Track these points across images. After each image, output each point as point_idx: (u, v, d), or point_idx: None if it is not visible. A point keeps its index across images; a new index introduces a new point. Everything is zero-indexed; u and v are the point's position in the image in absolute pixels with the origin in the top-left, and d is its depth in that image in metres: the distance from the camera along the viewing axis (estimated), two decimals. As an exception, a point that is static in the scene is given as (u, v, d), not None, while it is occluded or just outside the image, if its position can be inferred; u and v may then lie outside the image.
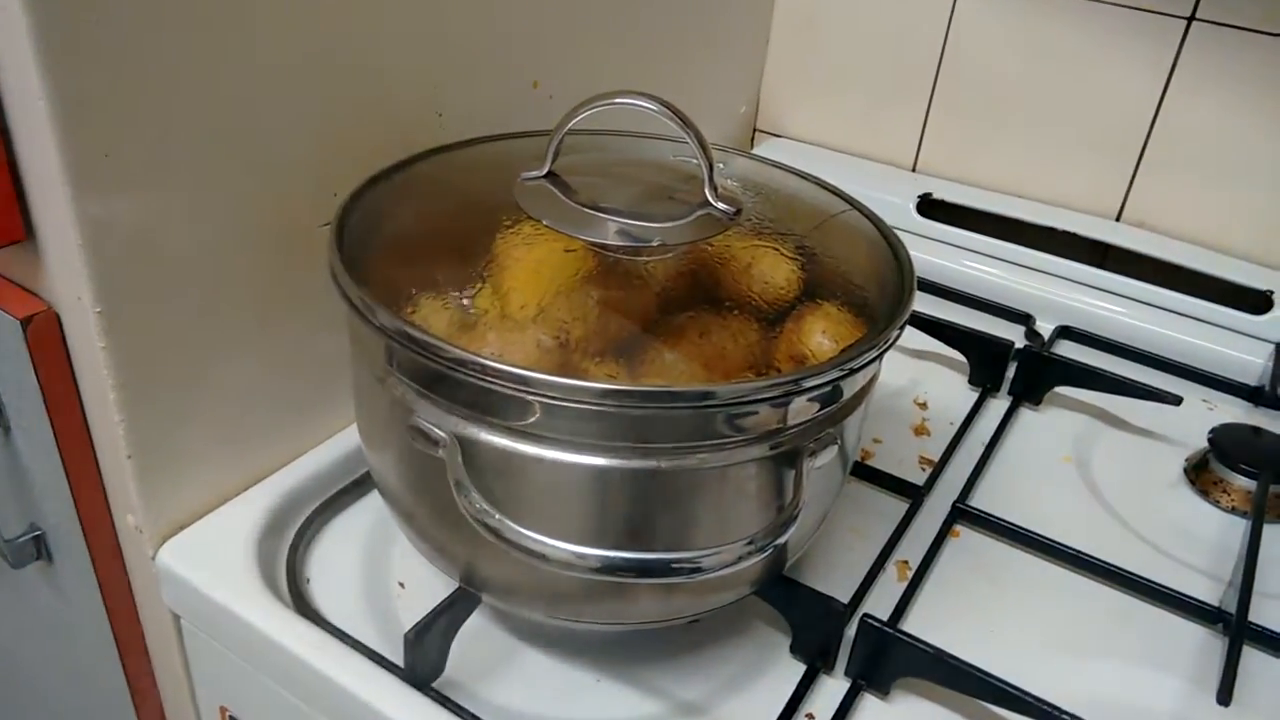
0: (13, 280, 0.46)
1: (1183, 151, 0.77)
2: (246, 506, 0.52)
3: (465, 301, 0.40)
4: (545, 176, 0.46)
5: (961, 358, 0.69)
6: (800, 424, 0.40)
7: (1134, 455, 0.64)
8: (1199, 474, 0.61)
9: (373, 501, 0.55)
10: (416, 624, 0.43)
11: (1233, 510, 0.59)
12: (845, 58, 0.88)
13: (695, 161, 0.45)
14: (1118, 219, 0.81)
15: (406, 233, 0.45)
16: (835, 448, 0.42)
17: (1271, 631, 0.49)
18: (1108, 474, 0.62)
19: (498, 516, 0.36)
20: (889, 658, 0.45)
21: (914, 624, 0.50)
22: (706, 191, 0.45)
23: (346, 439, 0.57)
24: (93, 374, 0.45)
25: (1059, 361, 0.68)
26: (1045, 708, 0.41)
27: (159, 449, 0.48)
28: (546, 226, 0.43)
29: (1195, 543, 0.57)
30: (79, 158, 0.40)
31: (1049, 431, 0.65)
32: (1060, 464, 0.62)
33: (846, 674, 0.46)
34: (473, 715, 0.43)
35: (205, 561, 0.49)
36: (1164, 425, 0.66)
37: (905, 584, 0.52)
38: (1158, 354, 0.72)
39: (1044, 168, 0.83)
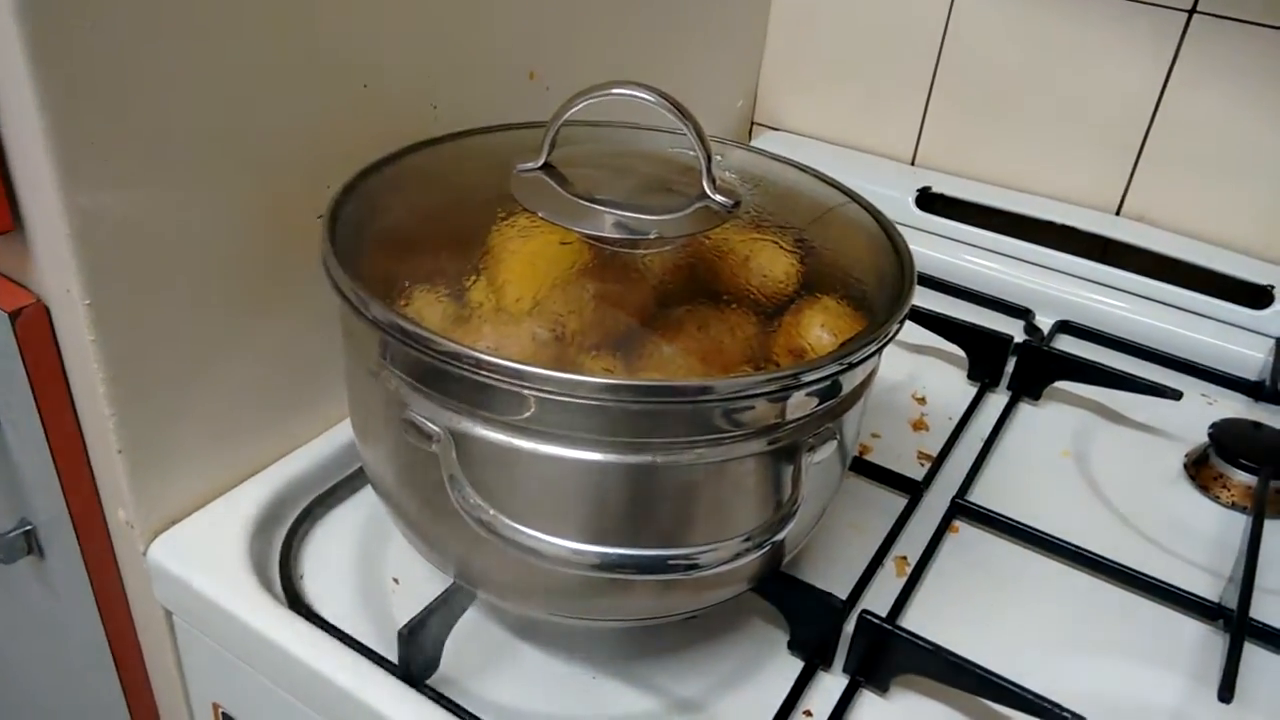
0: (0, 272, 0.45)
1: (1183, 145, 0.76)
2: (239, 501, 0.52)
3: (460, 294, 0.40)
4: (541, 168, 0.46)
5: (960, 352, 0.69)
6: (799, 419, 0.39)
7: (1133, 450, 0.63)
8: (1199, 469, 0.61)
9: (367, 496, 0.55)
10: (410, 620, 0.42)
11: (1233, 506, 0.59)
12: (844, 50, 0.88)
13: (693, 153, 0.44)
14: (1118, 213, 0.81)
15: (400, 225, 0.45)
16: (834, 443, 0.41)
17: (1273, 628, 0.49)
18: (1107, 469, 0.61)
19: (492, 512, 0.35)
20: (888, 654, 0.45)
21: (913, 620, 0.49)
22: (704, 184, 0.45)
23: (340, 433, 0.56)
24: (82, 367, 0.45)
25: (1058, 356, 0.67)
26: (1045, 704, 0.41)
27: (150, 443, 0.47)
28: (542, 219, 0.42)
29: (1195, 538, 0.56)
30: (68, 148, 0.39)
31: (1048, 427, 0.65)
32: (1059, 459, 0.62)
33: (845, 671, 0.46)
34: (468, 712, 0.42)
35: (197, 557, 0.49)
36: (1163, 420, 0.65)
37: (904, 580, 0.51)
38: (1157, 349, 0.72)
39: (1044, 161, 0.82)
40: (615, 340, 0.39)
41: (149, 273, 0.44)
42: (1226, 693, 0.45)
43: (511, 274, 0.40)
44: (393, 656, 0.44)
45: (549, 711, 0.44)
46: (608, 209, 0.43)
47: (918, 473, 0.58)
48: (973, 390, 0.67)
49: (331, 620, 0.47)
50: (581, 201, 0.44)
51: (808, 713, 0.45)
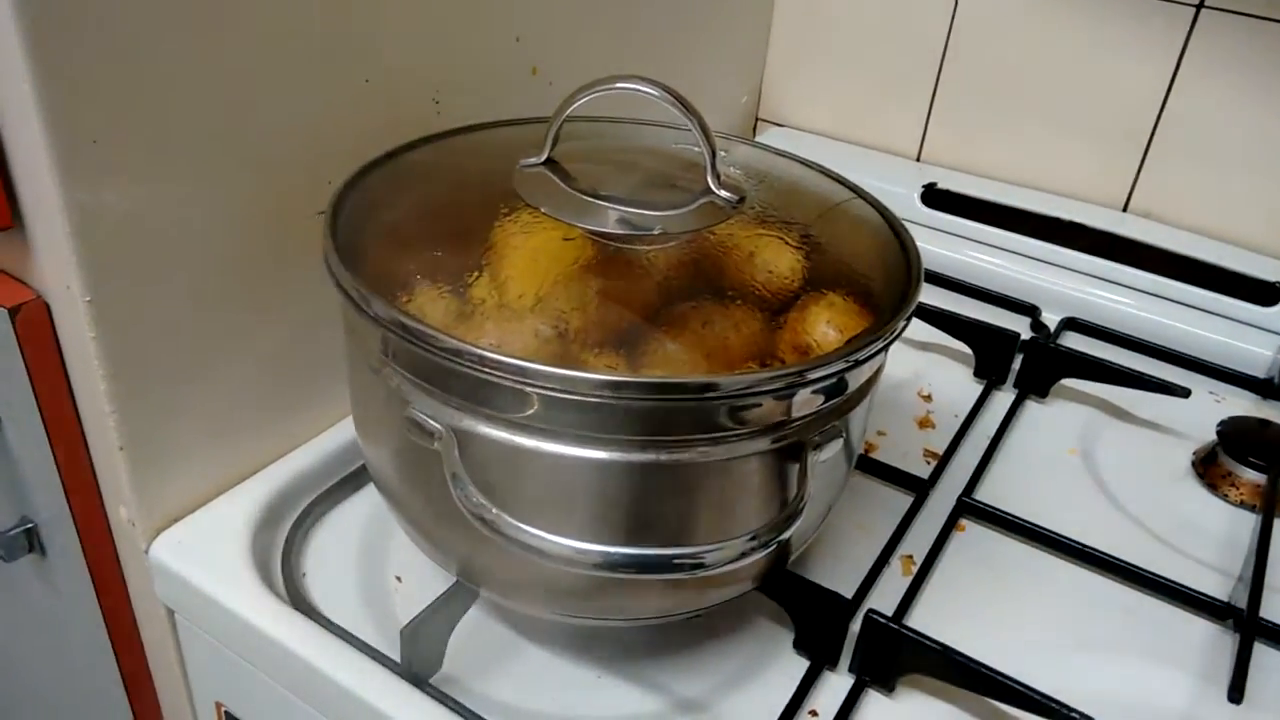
0: (0, 268, 0.45)
1: (1191, 141, 0.76)
2: (241, 499, 0.51)
3: (462, 291, 0.39)
4: (544, 163, 0.45)
5: (966, 349, 0.68)
6: (805, 416, 0.39)
7: (1141, 448, 0.63)
8: (1207, 467, 0.61)
9: (369, 494, 0.55)
10: (413, 619, 0.42)
11: (1241, 504, 0.58)
12: (849, 45, 0.87)
13: (697, 149, 0.44)
14: (1124, 209, 0.80)
15: (403, 221, 0.45)
16: (840, 441, 0.41)
17: (1282, 627, 0.49)
18: (1114, 467, 0.61)
19: (494, 511, 0.35)
20: (894, 654, 0.44)
21: (919, 620, 0.49)
22: (709, 179, 0.44)
23: (342, 431, 0.56)
24: (83, 364, 0.44)
25: (1065, 353, 0.67)
26: (1054, 705, 0.41)
27: (152, 440, 0.47)
28: (545, 214, 0.42)
29: (1203, 537, 0.56)
30: (67, 144, 0.39)
31: (1055, 424, 0.64)
32: (1066, 457, 0.62)
33: (850, 670, 0.46)
34: (470, 712, 0.42)
35: (199, 555, 0.49)
36: (1171, 418, 0.65)
37: (910, 579, 0.51)
38: (1165, 346, 0.72)
39: (1050, 157, 0.82)
40: (619, 337, 0.38)
41: (150, 269, 0.44)
42: (1236, 693, 0.45)
43: (514, 270, 0.40)
44: (395, 655, 0.43)
45: (552, 711, 0.44)
46: (611, 205, 0.43)
47: (924, 471, 0.58)
48: (979, 388, 0.67)
49: (334, 619, 0.46)
50: (585, 197, 0.43)
51: (813, 713, 0.44)
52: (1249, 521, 0.57)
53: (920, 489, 0.57)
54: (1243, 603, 0.48)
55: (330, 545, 0.52)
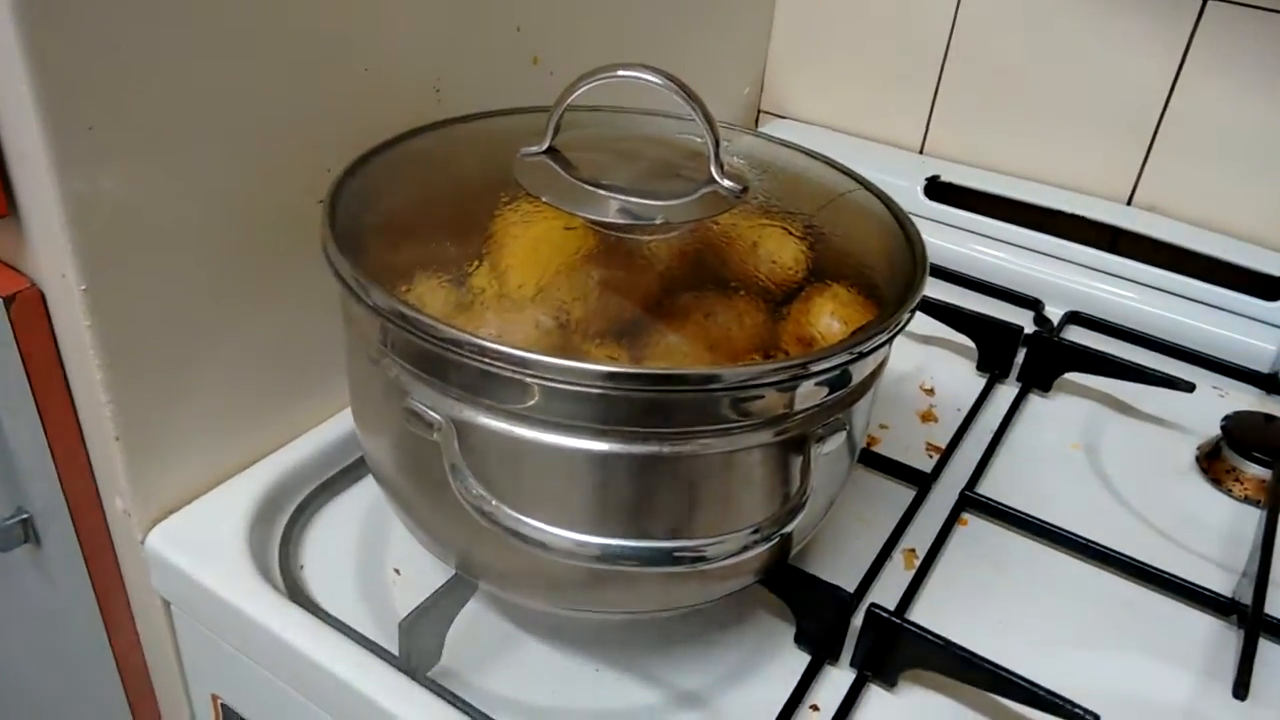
0: (-4, 257, 0.45)
1: (1196, 134, 0.75)
2: (238, 490, 0.51)
3: (462, 281, 0.39)
4: (545, 152, 0.45)
5: (969, 343, 0.68)
6: (808, 409, 0.38)
7: (1144, 443, 0.63)
8: (1211, 462, 0.60)
9: (368, 486, 0.54)
10: (411, 611, 0.42)
11: (1245, 499, 0.58)
12: (852, 37, 0.87)
13: (699, 138, 0.44)
14: (1129, 202, 0.80)
15: (402, 209, 0.44)
16: (843, 434, 0.41)
17: (1287, 623, 0.48)
18: (1118, 462, 0.61)
19: (494, 502, 0.35)
20: (896, 648, 0.44)
21: (921, 614, 0.49)
22: (712, 168, 0.44)
23: (341, 422, 0.56)
24: (79, 353, 0.44)
25: (1068, 347, 0.66)
26: (1057, 700, 0.40)
27: (148, 430, 0.47)
28: (546, 203, 0.41)
29: (1207, 532, 0.56)
30: (62, 131, 0.38)
31: (1058, 418, 0.64)
32: (1069, 451, 0.61)
33: (852, 665, 0.45)
34: (469, 705, 0.42)
35: (196, 546, 0.48)
36: (1174, 413, 0.65)
37: (912, 573, 0.51)
38: (1168, 340, 0.71)
39: (1054, 150, 0.81)
40: (620, 328, 0.38)
41: (146, 257, 0.43)
42: (1241, 689, 0.44)
43: (515, 260, 0.39)
44: (393, 648, 0.43)
45: (551, 705, 0.43)
46: (613, 194, 0.42)
47: (926, 465, 0.58)
48: (982, 381, 0.67)
49: (331, 611, 0.46)
50: (586, 186, 0.43)
51: (814, 707, 0.44)
52: (1253, 517, 0.57)
53: (923, 483, 0.56)
54: (1247, 599, 0.48)
55: (328, 537, 0.51)
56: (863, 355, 0.38)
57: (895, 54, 0.85)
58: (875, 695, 0.45)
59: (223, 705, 0.53)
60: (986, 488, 0.57)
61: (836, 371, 0.38)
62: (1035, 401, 0.66)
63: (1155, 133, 0.77)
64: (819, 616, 0.45)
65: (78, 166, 0.39)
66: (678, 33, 0.76)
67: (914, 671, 0.45)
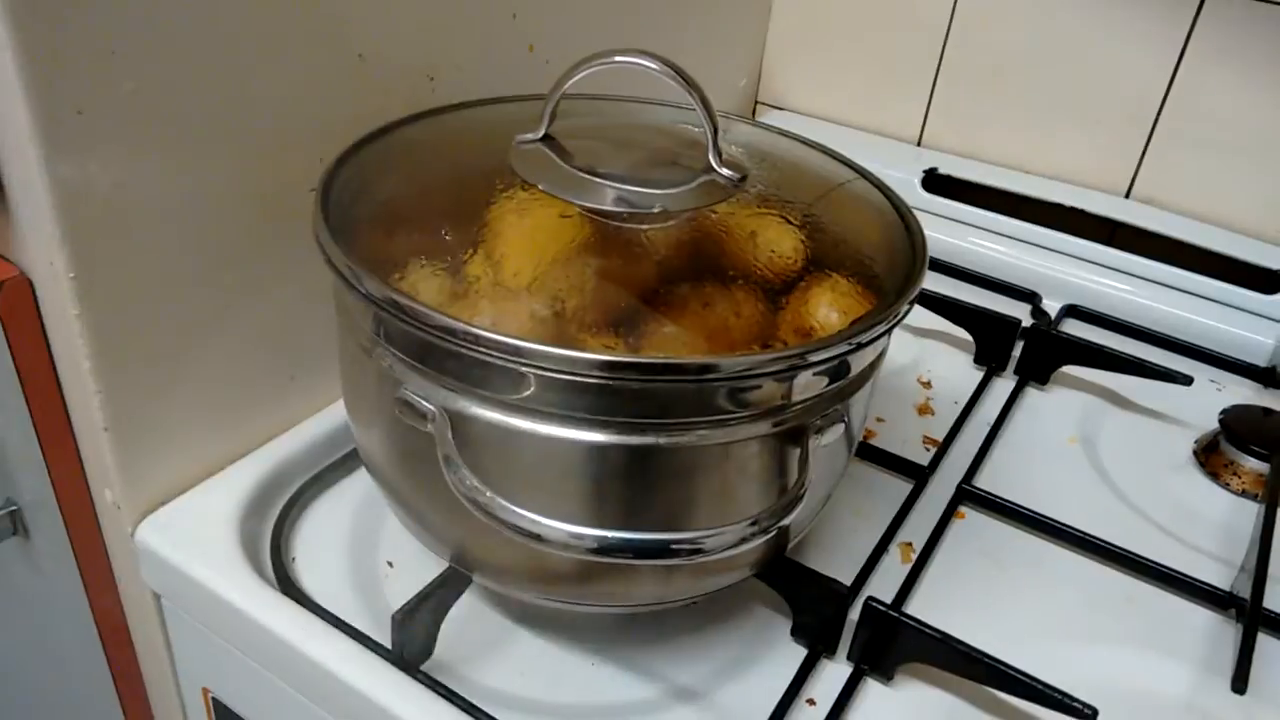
0: (-18, 244, 0.44)
1: (1195, 127, 0.75)
2: (229, 482, 0.51)
3: (456, 269, 0.38)
4: (541, 140, 0.44)
5: (966, 336, 0.68)
6: (806, 400, 0.38)
7: (1141, 437, 0.62)
8: (1209, 456, 0.60)
9: (361, 478, 0.54)
10: (404, 605, 0.41)
11: (1243, 493, 0.58)
12: (849, 28, 0.86)
13: (697, 127, 0.43)
14: (1127, 195, 0.79)
15: (396, 198, 0.44)
16: (841, 426, 0.40)
17: (1285, 617, 0.48)
18: (1115, 455, 0.60)
19: (488, 494, 0.34)
20: (893, 642, 0.44)
21: (918, 607, 0.48)
22: (710, 156, 0.43)
23: (334, 413, 0.55)
24: (67, 342, 0.43)
25: (1066, 340, 0.66)
26: (1055, 694, 0.40)
27: (138, 422, 0.46)
28: (542, 191, 0.41)
29: (1205, 526, 0.55)
30: (50, 115, 0.38)
31: (1055, 412, 0.64)
32: (1067, 445, 0.61)
33: (849, 658, 0.45)
34: (462, 699, 0.41)
35: (186, 539, 0.48)
36: (1172, 406, 0.64)
37: (909, 566, 0.50)
38: (1166, 334, 0.71)
39: (1052, 143, 0.81)
40: (617, 317, 0.37)
41: (136, 246, 0.43)
42: (1240, 683, 0.44)
43: (510, 248, 0.39)
44: (386, 641, 0.43)
45: (546, 699, 0.43)
46: (610, 182, 0.42)
47: (923, 458, 0.57)
48: (979, 374, 0.66)
49: (323, 604, 0.46)
50: (583, 174, 0.42)
51: (811, 701, 0.44)
52: (1251, 511, 0.57)
53: (920, 476, 0.56)
54: (1245, 592, 0.48)
55: (321, 530, 0.51)
56: (861, 346, 0.38)
57: (893, 45, 0.85)
58: (872, 689, 0.44)
59: (214, 699, 0.52)
60: (984, 481, 0.57)
61: (835, 362, 0.37)
62: (1032, 395, 0.65)
63: (1154, 125, 0.76)
64: (816, 610, 0.45)
65: (66, 152, 0.39)
66: (674, 23, 0.75)
67: (911, 665, 0.44)
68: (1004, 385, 0.66)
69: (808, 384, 0.37)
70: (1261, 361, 0.69)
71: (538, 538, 0.34)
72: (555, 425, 0.36)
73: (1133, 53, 0.75)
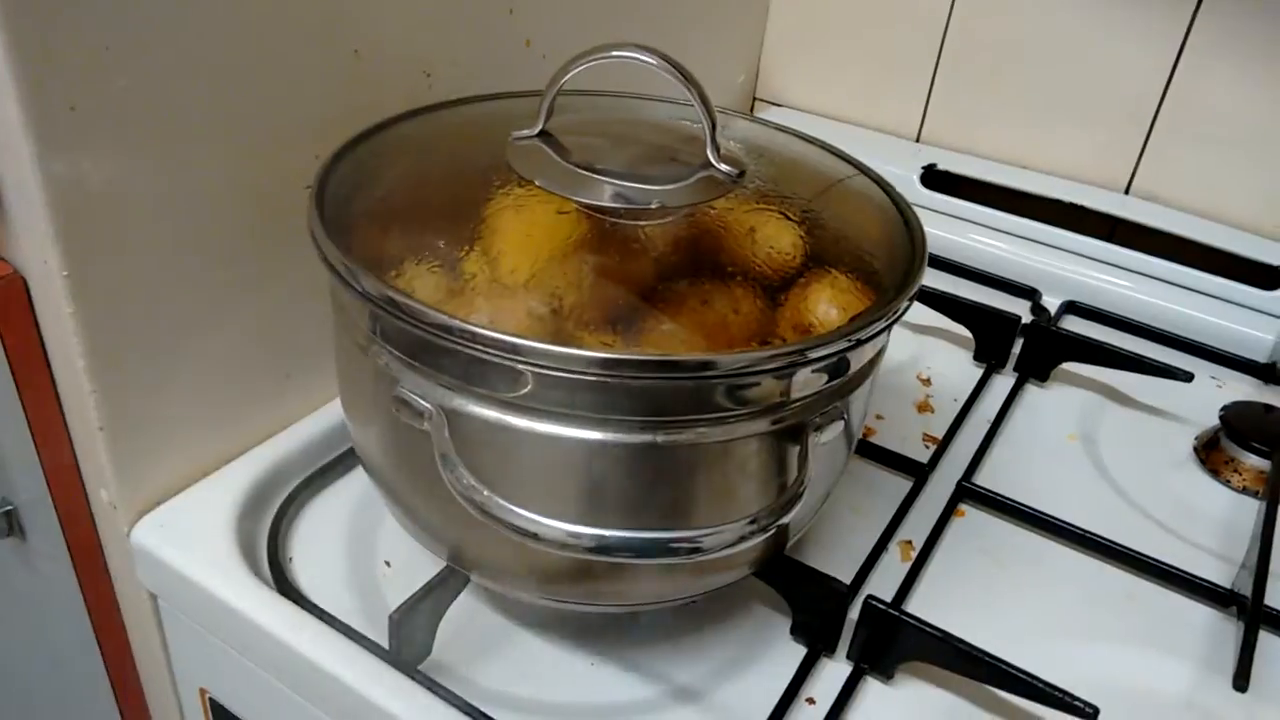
0: (-25, 243, 0.44)
1: (1194, 123, 0.75)
2: (226, 482, 0.50)
3: (453, 266, 0.38)
4: (538, 136, 0.44)
5: (966, 333, 0.67)
6: (805, 397, 0.38)
7: (1142, 433, 0.62)
8: (1209, 453, 0.60)
9: (358, 477, 0.53)
10: (401, 604, 0.41)
11: (1244, 490, 0.58)
12: (848, 23, 0.86)
13: (695, 123, 0.43)
14: (1127, 191, 0.79)
15: (392, 195, 0.43)
16: (841, 423, 0.40)
17: (1287, 615, 0.48)
18: (1115, 452, 0.60)
19: (485, 493, 0.34)
20: (893, 640, 0.43)
21: (918, 605, 0.48)
22: (708, 152, 0.43)
23: (331, 412, 0.55)
24: (62, 341, 0.43)
25: (1066, 337, 0.66)
26: (1057, 693, 0.40)
27: (133, 421, 0.46)
28: (539, 188, 0.40)
29: (1205, 523, 0.55)
30: (42, 111, 0.37)
31: (1055, 409, 0.64)
32: (1067, 442, 0.61)
33: (849, 657, 0.45)
34: (460, 699, 0.41)
35: (182, 539, 0.47)
36: (1172, 403, 0.64)
37: (909, 564, 0.50)
38: (1166, 330, 0.71)
39: (1052, 139, 0.80)
40: (615, 315, 0.37)
41: (130, 243, 0.42)
42: (1241, 681, 0.44)
43: (507, 245, 0.39)
44: (384, 642, 0.42)
45: (545, 699, 0.43)
46: (607, 178, 0.42)
47: (923, 455, 0.57)
48: (979, 371, 0.66)
49: (321, 605, 0.45)
50: (580, 170, 0.42)
51: (810, 700, 0.43)
52: (1251, 507, 0.56)
53: (919, 473, 0.56)
54: (1247, 590, 0.48)
55: (318, 529, 0.51)
56: (861, 343, 0.37)
57: (892, 41, 0.84)
58: (872, 688, 0.44)
59: (211, 700, 0.52)
60: (983, 478, 0.56)
61: (834, 359, 0.37)
62: (1032, 392, 0.65)
63: (1153, 121, 0.76)
64: (815, 609, 0.45)
65: (58, 148, 0.38)
66: (672, 18, 0.75)
67: (911, 664, 0.44)
68: (1004, 382, 0.65)
69: (807, 381, 0.37)
70: (1262, 358, 0.69)
71: (535, 537, 0.34)
72: (553, 423, 0.35)
73: (1132, 49, 0.75)
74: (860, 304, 0.40)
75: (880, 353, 0.43)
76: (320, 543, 0.50)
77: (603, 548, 0.33)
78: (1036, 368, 0.66)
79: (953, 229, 0.79)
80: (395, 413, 0.38)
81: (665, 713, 0.42)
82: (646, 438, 0.36)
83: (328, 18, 0.47)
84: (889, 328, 0.39)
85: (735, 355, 0.36)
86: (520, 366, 0.34)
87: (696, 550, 0.34)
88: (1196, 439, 0.61)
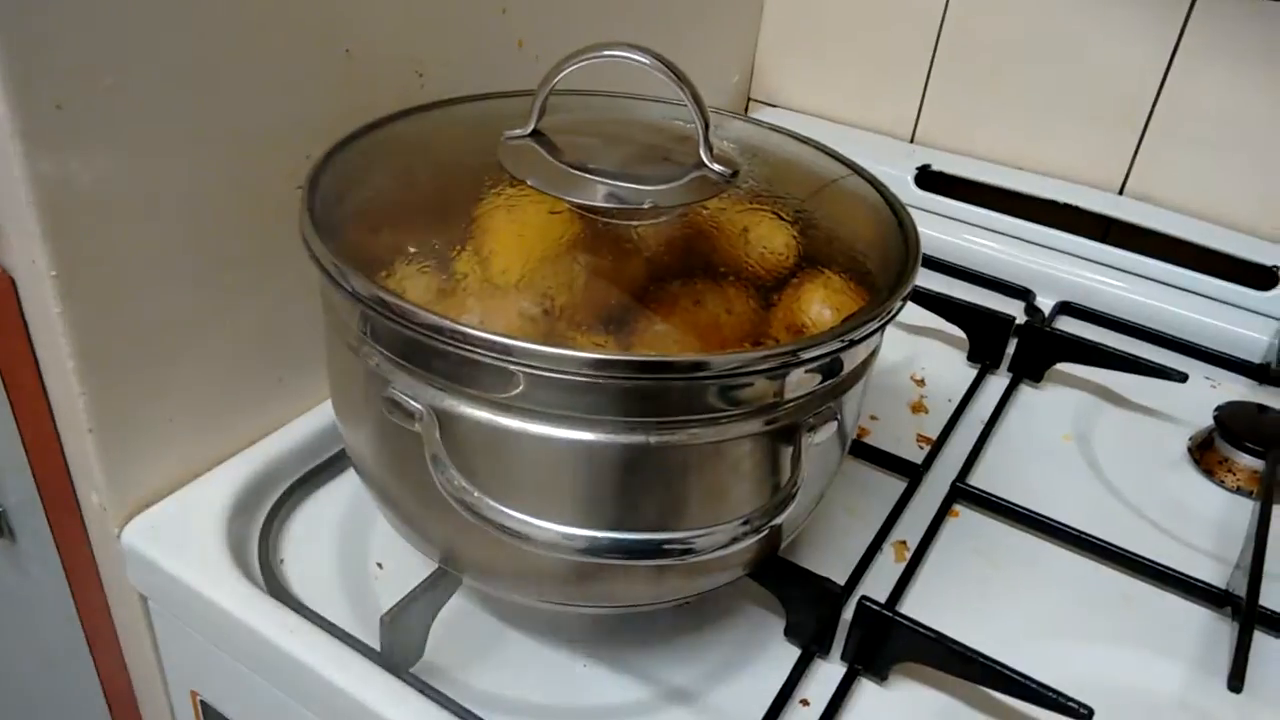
0: (-37, 243, 0.43)
1: (1188, 123, 0.75)
2: (217, 483, 0.50)
3: (444, 266, 0.38)
4: (530, 135, 0.44)
5: (960, 333, 0.67)
6: (798, 398, 0.38)
7: (1136, 434, 0.62)
8: (1203, 453, 0.60)
9: (350, 479, 0.53)
10: (393, 606, 0.41)
11: (1238, 490, 0.58)
12: (842, 24, 0.86)
13: (689, 123, 0.43)
14: (1121, 192, 0.79)
15: (383, 194, 0.43)
16: (834, 424, 0.40)
17: (1282, 615, 0.48)
18: (1109, 453, 0.60)
19: (476, 494, 0.34)
20: (887, 641, 0.43)
21: (912, 606, 0.48)
22: (701, 152, 0.43)
23: (322, 413, 0.55)
24: (51, 342, 0.43)
25: (1060, 337, 0.66)
26: (1051, 694, 0.40)
27: (123, 422, 0.46)
28: (531, 187, 0.40)
29: (1200, 523, 0.55)
30: (29, 110, 0.37)
31: (1049, 409, 0.63)
32: (1061, 442, 0.61)
33: (843, 658, 0.45)
34: (452, 701, 0.41)
35: (173, 541, 0.47)
36: (1167, 404, 0.64)
37: (903, 565, 0.50)
38: (1160, 330, 0.71)
39: (1046, 139, 0.80)
40: (607, 315, 0.37)
41: (119, 243, 0.42)
42: (1236, 681, 0.44)
43: (498, 245, 0.38)
44: (376, 644, 0.42)
45: (537, 700, 0.43)
46: (599, 178, 0.41)
47: (917, 456, 0.57)
48: (973, 372, 0.66)
49: (312, 606, 0.45)
50: (572, 170, 0.42)
51: (804, 701, 0.43)
52: (1246, 508, 0.56)
53: (913, 474, 0.56)
54: (1241, 590, 0.48)
55: (309, 531, 0.50)
56: (854, 343, 0.37)
57: (886, 41, 0.84)
58: (866, 689, 0.44)
59: (202, 702, 0.51)
60: (978, 479, 0.56)
61: (827, 359, 0.37)
62: (1026, 392, 0.65)
63: (1147, 122, 0.76)
64: (809, 610, 0.45)
65: (46, 147, 0.38)
66: (666, 19, 0.75)
67: (905, 665, 0.44)
68: (998, 383, 0.65)
69: (800, 381, 0.37)
70: (1256, 358, 0.69)
71: (526, 538, 0.33)
72: (544, 424, 0.35)
73: (1126, 49, 0.75)
74: (853, 304, 0.40)
75: (874, 353, 0.43)
76: (312, 545, 0.49)
77: (595, 549, 0.33)
78: (1031, 368, 0.66)
79: (947, 229, 0.79)
80: (386, 414, 0.37)
81: (659, 715, 0.42)
82: (639, 438, 0.35)
83: (319, 16, 0.46)
84: (882, 328, 0.39)
85: (728, 356, 0.36)
86: (512, 367, 0.34)
87: (689, 552, 0.34)
88: (1191, 439, 0.61)
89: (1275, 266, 0.72)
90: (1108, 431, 0.62)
